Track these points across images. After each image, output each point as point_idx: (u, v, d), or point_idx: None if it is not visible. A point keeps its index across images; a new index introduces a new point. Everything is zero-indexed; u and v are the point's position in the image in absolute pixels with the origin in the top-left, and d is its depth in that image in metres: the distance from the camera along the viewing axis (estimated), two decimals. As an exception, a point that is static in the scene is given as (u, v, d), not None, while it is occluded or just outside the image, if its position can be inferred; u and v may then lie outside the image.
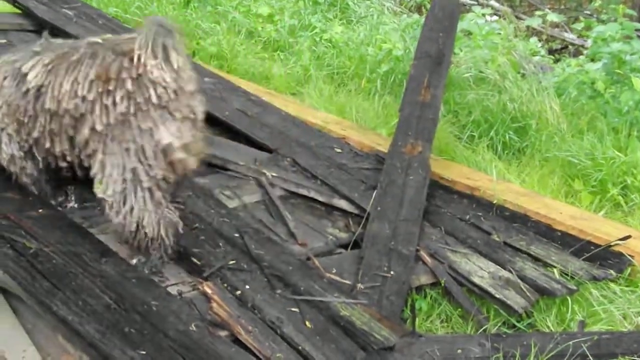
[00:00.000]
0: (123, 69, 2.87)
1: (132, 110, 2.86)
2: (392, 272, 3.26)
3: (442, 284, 3.31)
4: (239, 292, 2.95)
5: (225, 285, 3.00)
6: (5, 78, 3.11)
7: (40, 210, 3.19)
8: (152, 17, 3.06)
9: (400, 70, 5.97)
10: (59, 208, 3.31)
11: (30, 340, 2.68)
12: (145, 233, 3.01)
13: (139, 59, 2.87)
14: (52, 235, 3.02)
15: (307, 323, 2.85)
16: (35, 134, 3.06)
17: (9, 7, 6.14)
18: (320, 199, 3.92)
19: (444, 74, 4.71)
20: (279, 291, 3.00)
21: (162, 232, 3.04)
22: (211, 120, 4.46)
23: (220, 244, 3.26)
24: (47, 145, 3.06)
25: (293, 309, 2.91)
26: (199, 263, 3.11)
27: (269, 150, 4.26)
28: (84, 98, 2.89)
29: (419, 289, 3.36)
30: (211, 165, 4.03)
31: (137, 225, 2.98)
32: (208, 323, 2.76)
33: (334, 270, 3.29)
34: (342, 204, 3.88)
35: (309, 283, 3.07)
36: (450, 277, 3.34)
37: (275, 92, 5.69)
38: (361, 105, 5.62)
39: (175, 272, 3.13)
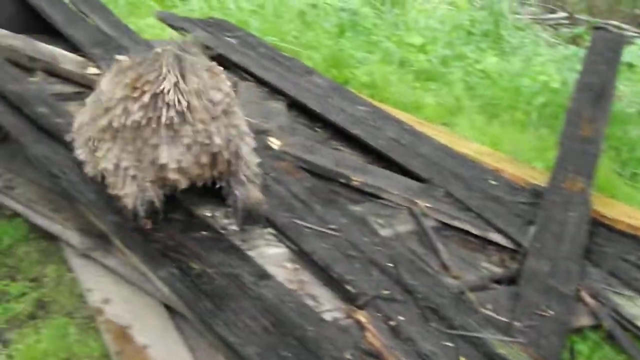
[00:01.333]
0: (147, 82, 3.03)
1: (143, 122, 3.03)
2: (550, 311, 3.15)
3: (605, 327, 3.17)
4: (392, 323, 2.94)
5: (379, 314, 2.99)
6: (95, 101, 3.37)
7: (203, 232, 3.30)
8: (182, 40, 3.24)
9: (557, 102, 5.82)
10: (221, 231, 3.40)
11: (193, 358, 2.76)
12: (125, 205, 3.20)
13: (161, 77, 3.02)
14: (214, 257, 3.11)
15: (462, 358, 2.79)
16: None
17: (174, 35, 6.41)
18: (475, 231, 3.85)
19: (606, 108, 4.56)
20: (433, 324, 2.96)
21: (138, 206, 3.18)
22: (364, 148, 4.55)
23: (374, 273, 3.25)
24: None
25: (447, 343, 2.86)
26: (353, 291, 3.11)
27: (422, 180, 4.23)
28: (115, 95, 3.09)
29: (579, 330, 3.23)
30: (365, 193, 4.05)
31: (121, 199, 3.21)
32: (362, 352, 2.76)
33: (489, 306, 3.22)
34: (498, 238, 3.80)
35: (464, 318, 3.02)
36: (613, 320, 3.20)
37: (426, 122, 5.65)
38: (515, 137, 5.51)
39: (329, 298, 3.14)
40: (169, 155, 3.08)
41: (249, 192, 3.37)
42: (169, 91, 3.00)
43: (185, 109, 3.03)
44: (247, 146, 3.35)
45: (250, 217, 3.42)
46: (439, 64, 7.06)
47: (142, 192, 3.16)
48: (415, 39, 7.53)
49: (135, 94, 3.05)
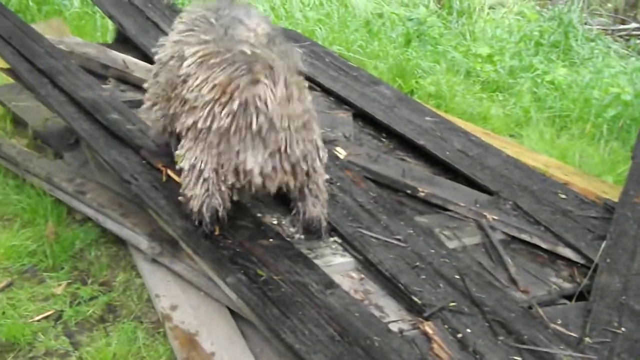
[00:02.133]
0: (237, 89, 3.02)
1: (232, 128, 3.03)
2: (623, 329, 3.07)
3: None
4: (460, 335, 2.90)
5: (446, 326, 2.96)
6: (172, 57, 3.42)
7: (271, 240, 3.31)
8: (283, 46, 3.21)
9: (629, 115, 5.72)
10: (287, 238, 3.42)
11: (258, 364, 2.79)
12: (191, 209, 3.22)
13: (253, 83, 3.02)
14: (281, 265, 3.12)
15: (530, 374, 2.75)
16: (170, 111, 3.43)
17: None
18: (544, 245, 3.78)
19: (682, 121, 4.45)
20: (501, 338, 2.91)
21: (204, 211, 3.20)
22: (430, 159, 4.51)
23: (441, 285, 3.22)
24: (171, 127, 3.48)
25: (516, 358, 2.81)
26: (419, 302, 3.08)
27: (490, 193, 4.18)
28: (202, 95, 3.10)
29: (652, 349, 3.15)
30: (431, 205, 4.02)
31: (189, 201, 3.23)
32: (429, 364, 2.74)
33: (559, 321, 3.16)
34: (567, 252, 3.73)
35: (533, 332, 2.97)
36: (688, 339, 3.11)
37: (492, 133, 5.60)
38: (585, 150, 5.42)
39: (395, 309, 3.13)
40: (255, 161, 3.08)
41: (311, 208, 3.39)
42: (259, 98, 3.01)
43: (273, 117, 3.03)
44: (320, 162, 3.35)
45: (310, 231, 3.45)
46: (506, 75, 7.00)
47: (210, 197, 3.18)
48: (483, 49, 7.49)
49: (224, 99, 3.06)
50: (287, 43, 3.28)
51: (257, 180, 3.11)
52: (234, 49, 3.14)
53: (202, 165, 3.15)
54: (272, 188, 3.19)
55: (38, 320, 3.26)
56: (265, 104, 3.00)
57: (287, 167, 3.15)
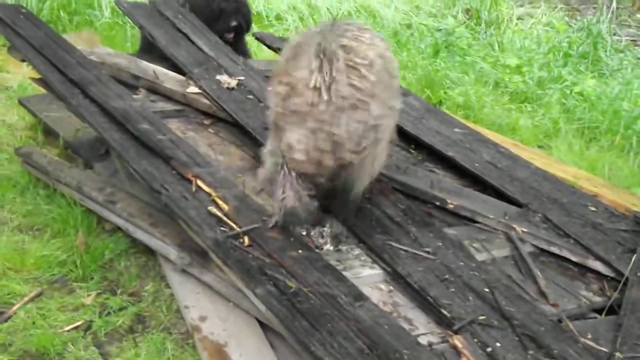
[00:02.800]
0: (282, 74, 3.32)
1: (280, 110, 3.30)
2: (655, 344, 3.06)
3: None
4: (489, 349, 2.88)
5: (476, 340, 2.94)
6: None
7: (300, 251, 3.31)
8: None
9: (659, 127, 5.67)
10: (317, 250, 3.42)
11: (287, 377, 2.79)
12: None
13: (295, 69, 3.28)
14: (310, 276, 3.12)
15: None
16: None
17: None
18: (573, 258, 3.75)
19: None
20: (531, 352, 2.90)
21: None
22: (459, 171, 4.49)
23: (470, 298, 3.21)
24: None
25: (546, 372, 2.81)
26: (448, 315, 3.07)
27: (519, 205, 4.15)
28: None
29: (684, 364, 3.11)
30: (460, 217, 4.01)
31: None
32: (459, 378, 2.73)
33: (589, 335, 3.14)
34: (597, 265, 3.70)
35: (563, 347, 2.95)
36: None
37: (521, 144, 5.57)
38: (615, 162, 5.40)
39: (424, 322, 3.12)
40: (293, 137, 3.24)
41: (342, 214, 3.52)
42: (299, 83, 3.22)
43: (317, 99, 3.18)
44: (379, 148, 3.52)
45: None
46: (535, 86, 6.97)
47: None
48: (511, 60, 7.47)
49: (277, 83, 3.34)
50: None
51: (296, 156, 3.27)
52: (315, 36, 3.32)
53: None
54: (315, 170, 3.32)
55: (68, 331, 3.28)
56: (305, 91, 3.18)
57: (328, 146, 3.26)
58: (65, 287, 3.60)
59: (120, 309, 3.46)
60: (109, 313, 3.42)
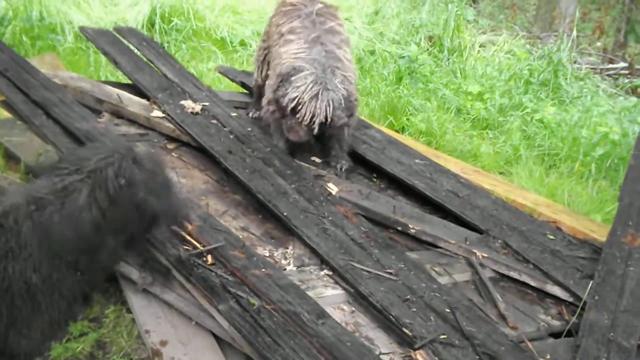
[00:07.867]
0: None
1: None
2: (612, 364, 3.11)
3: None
4: (450, 368, 2.93)
5: (437, 358, 2.99)
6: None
7: (263, 270, 3.33)
8: None
9: (617, 154, 5.77)
10: (281, 269, 3.44)
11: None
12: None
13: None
14: (273, 294, 3.15)
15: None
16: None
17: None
18: (532, 283, 3.81)
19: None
20: (491, 371, 2.94)
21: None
22: (422, 199, 4.54)
23: (432, 318, 3.25)
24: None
25: (505, 392, 2.84)
26: (410, 334, 3.12)
27: (479, 232, 4.20)
28: None
29: (641, 385, 3.17)
30: (422, 242, 4.05)
31: None
32: (420, 395, 2.76)
33: (548, 356, 3.19)
34: (556, 290, 3.76)
35: (523, 367, 2.99)
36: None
37: (483, 171, 5.63)
38: (574, 188, 5.47)
39: (386, 342, 3.15)
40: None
41: None
42: None
43: None
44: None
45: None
46: (496, 113, 7.05)
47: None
48: (473, 87, 7.55)
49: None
50: None
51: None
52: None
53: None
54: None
55: (26, 358, 3.23)
56: None
57: None
58: (24, 312, 3.54)
59: (81, 335, 3.39)
60: (68, 339, 3.35)
